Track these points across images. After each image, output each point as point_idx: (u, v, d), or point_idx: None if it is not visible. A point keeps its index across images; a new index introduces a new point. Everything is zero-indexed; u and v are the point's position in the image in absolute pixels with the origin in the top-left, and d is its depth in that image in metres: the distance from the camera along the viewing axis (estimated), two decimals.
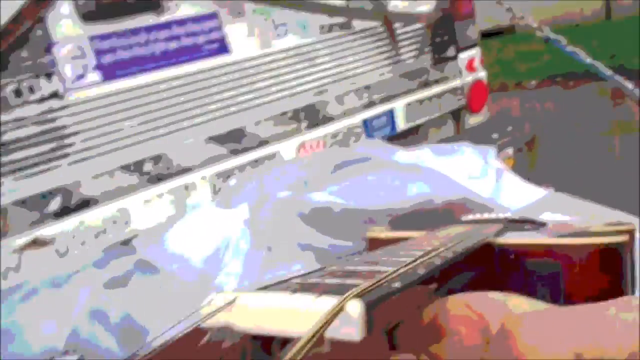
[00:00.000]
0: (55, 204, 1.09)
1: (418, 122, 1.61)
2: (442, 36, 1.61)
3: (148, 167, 1.19)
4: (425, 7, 1.56)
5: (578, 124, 3.16)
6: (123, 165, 1.16)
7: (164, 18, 1.19)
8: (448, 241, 0.42)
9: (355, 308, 0.22)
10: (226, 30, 1.27)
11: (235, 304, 0.25)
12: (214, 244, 1.17)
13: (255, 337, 0.21)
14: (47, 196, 1.08)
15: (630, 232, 0.46)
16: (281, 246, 1.21)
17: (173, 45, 1.21)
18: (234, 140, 1.30)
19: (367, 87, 1.51)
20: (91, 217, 1.13)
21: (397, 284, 0.27)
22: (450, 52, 1.63)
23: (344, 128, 1.46)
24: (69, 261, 1.11)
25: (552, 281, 0.50)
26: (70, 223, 1.10)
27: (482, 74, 1.71)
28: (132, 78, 1.16)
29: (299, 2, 1.33)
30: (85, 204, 1.13)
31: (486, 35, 4.35)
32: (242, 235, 1.17)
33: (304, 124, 1.41)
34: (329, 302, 0.23)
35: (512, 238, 0.51)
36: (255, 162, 1.33)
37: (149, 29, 1.17)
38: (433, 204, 1.31)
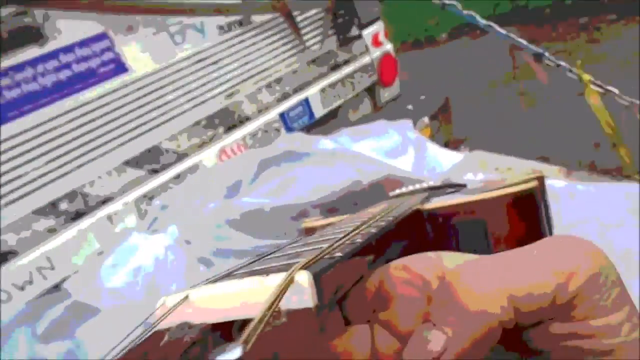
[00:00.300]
0: None
1: (335, 105, 1.62)
2: (343, 17, 1.61)
3: (64, 206, 1.14)
4: None
5: (485, 76, 3.29)
6: (35, 209, 1.10)
7: (48, 48, 1.12)
8: (378, 214, 0.44)
9: (303, 277, 0.23)
10: (120, 49, 1.22)
11: (187, 300, 0.25)
12: (149, 270, 1.15)
13: (215, 328, 0.21)
14: None
15: (540, 179, 0.50)
16: (218, 258, 1.20)
17: (65, 74, 1.15)
18: (151, 159, 1.26)
19: (278, 80, 1.50)
20: (12, 269, 1.07)
21: (338, 254, 0.28)
22: (354, 31, 1.64)
23: (262, 126, 1.45)
24: None
25: (479, 236, 0.53)
26: None
27: (388, 47, 1.74)
28: (27, 117, 1.09)
29: (190, 6, 1.29)
30: (3, 257, 1.07)
31: None
32: (176, 256, 1.15)
33: (220, 129, 1.39)
34: (278, 278, 0.23)
35: (437, 202, 0.54)
36: (178, 178, 1.30)
37: (33, 62, 1.10)
38: (361, 186, 1.34)
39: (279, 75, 1.49)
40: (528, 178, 0.50)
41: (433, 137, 1.57)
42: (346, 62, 1.64)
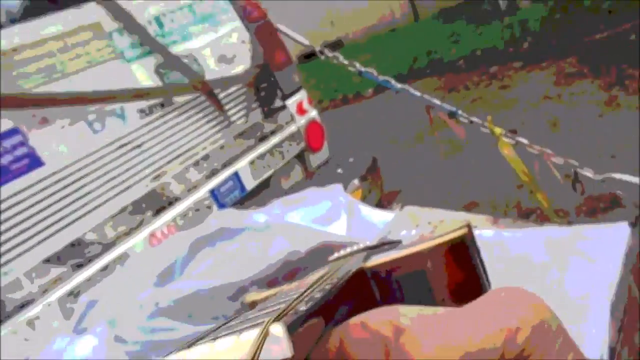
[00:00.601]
0: None
1: (265, 176, 1.63)
2: (265, 89, 1.65)
3: None
4: (241, 67, 1.59)
5: (411, 129, 3.45)
6: None
7: None
8: (321, 279, 0.44)
9: (278, 329, 0.24)
10: (33, 143, 1.17)
11: None
12: None
13: None
14: None
15: (468, 226, 0.52)
16: (154, 353, 1.14)
17: None
18: (74, 254, 1.20)
19: (206, 157, 1.49)
20: None
21: (302, 307, 0.29)
22: (278, 102, 1.68)
23: (192, 205, 1.42)
24: None
25: (421, 286, 0.54)
26: None
27: (313, 114, 1.79)
28: None
29: (108, 94, 1.28)
30: None
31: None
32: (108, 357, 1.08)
33: (149, 213, 1.35)
34: (252, 333, 0.24)
35: (377, 259, 0.54)
36: (105, 269, 1.24)
37: None
38: (298, 255, 1.33)
39: (206, 152, 1.49)
40: (457, 228, 0.53)
41: (364, 199, 1.60)
42: (273, 133, 1.67)
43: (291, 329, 0.26)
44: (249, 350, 0.23)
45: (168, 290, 1.20)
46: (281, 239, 1.32)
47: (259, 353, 0.23)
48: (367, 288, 0.55)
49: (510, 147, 1.38)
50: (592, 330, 0.84)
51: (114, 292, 1.21)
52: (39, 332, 1.11)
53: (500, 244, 1.40)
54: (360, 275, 0.51)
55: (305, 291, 0.37)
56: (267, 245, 1.31)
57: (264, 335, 0.24)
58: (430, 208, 1.73)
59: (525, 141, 1.43)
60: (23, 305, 1.12)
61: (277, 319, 0.26)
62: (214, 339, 0.27)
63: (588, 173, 1.46)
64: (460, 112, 1.51)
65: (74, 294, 1.18)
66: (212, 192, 1.47)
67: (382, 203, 1.74)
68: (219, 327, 0.32)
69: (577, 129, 2.82)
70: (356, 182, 1.62)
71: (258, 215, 1.34)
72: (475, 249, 0.57)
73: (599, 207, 2.11)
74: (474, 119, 1.50)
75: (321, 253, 1.34)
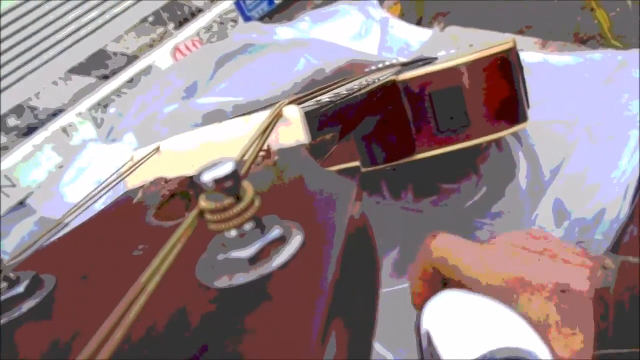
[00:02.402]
0: None
1: None
2: None
3: (12, 121, 1.10)
4: None
5: None
6: None
7: None
8: (349, 80, 0.44)
9: (293, 110, 0.22)
10: None
11: (159, 152, 0.23)
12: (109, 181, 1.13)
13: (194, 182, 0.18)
14: None
15: (513, 42, 0.48)
16: None
17: None
18: (98, 65, 1.19)
19: None
20: None
21: (325, 98, 0.28)
22: None
23: (216, 17, 1.35)
24: None
25: (455, 104, 0.52)
26: None
27: None
28: None
29: None
30: None
31: None
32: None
33: (171, 25, 1.29)
34: (262, 115, 0.22)
35: (411, 72, 0.52)
36: (131, 82, 1.24)
37: None
38: (324, 74, 1.28)
39: None
40: (500, 44, 0.49)
41: (402, 16, 1.47)
42: None
43: (310, 116, 0.22)
44: (258, 132, 0.20)
45: (191, 105, 1.20)
46: (307, 56, 1.26)
47: (269, 131, 0.20)
48: (398, 101, 0.51)
49: None
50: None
51: (140, 106, 1.22)
52: (73, 138, 1.16)
53: (545, 68, 1.29)
54: (391, 88, 0.46)
55: (330, 85, 0.34)
56: (292, 62, 1.25)
57: (276, 116, 0.21)
58: (475, 29, 1.59)
59: None
60: (55, 114, 1.15)
61: (293, 102, 0.23)
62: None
63: None
64: None
65: (102, 104, 1.20)
66: (237, 4, 1.38)
67: (422, 23, 1.60)
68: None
69: None
70: None
71: (283, 30, 1.26)
72: (519, 67, 0.51)
73: None
74: None
75: (349, 71, 1.28)
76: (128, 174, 0.23)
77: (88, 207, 0.21)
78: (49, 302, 0.16)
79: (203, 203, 0.15)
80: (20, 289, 0.16)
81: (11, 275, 0.17)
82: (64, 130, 1.16)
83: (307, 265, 0.14)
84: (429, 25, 1.63)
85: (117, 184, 0.21)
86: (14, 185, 1.11)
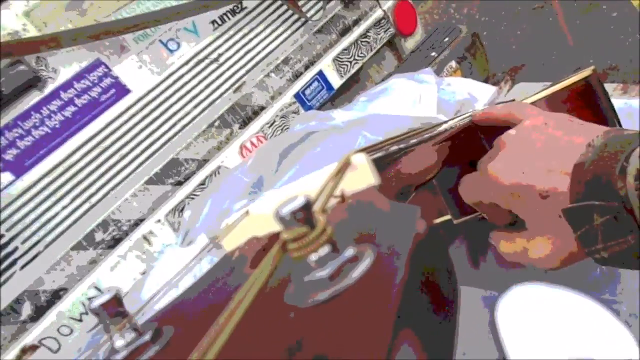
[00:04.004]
0: (27, 309, 1.11)
1: (352, 71, 1.52)
2: None
3: (99, 236, 1.18)
4: None
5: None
6: (74, 245, 1.15)
7: (48, 89, 1.14)
8: (420, 131, 0.42)
9: (360, 158, 0.24)
10: (117, 72, 1.22)
11: (248, 216, 0.26)
12: (187, 283, 1.16)
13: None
14: (15, 306, 1.09)
15: (594, 71, 0.48)
16: None
17: (71, 110, 1.17)
18: (172, 173, 1.27)
19: (286, 61, 1.43)
20: (66, 305, 1.14)
21: (394, 147, 0.30)
22: None
23: (277, 112, 1.40)
24: (66, 353, 1.13)
25: None
26: (49, 320, 1.12)
27: None
28: (45, 161, 1.13)
29: (176, 10, 1.26)
30: (56, 295, 1.14)
31: None
32: (209, 263, 1.16)
33: (236, 126, 1.36)
34: (333, 166, 0.24)
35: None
36: (203, 185, 1.30)
37: (37, 107, 1.13)
38: None
39: (285, 56, 1.43)
40: (582, 71, 0.45)
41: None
42: (356, 22, 1.53)
43: (378, 163, 0.25)
44: (327, 178, 0.22)
45: (261, 198, 1.23)
46: (365, 132, 1.25)
47: (338, 180, 0.23)
48: (477, 143, 0.49)
49: None
50: None
51: (213, 205, 1.27)
52: (154, 245, 1.23)
53: (629, 116, 1.18)
54: (468, 130, 0.46)
55: (400, 135, 0.34)
56: (352, 142, 1.25)
57: (345, 164, 0.24)
58: (546, 83, 1.50)
59: None
60: (136, 224, 1.23)
61: (361, 151, 0.25)
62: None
63: None
64: None
65: (178, 209, 1.26)
66: (297, 96, 1.43)
67: (489, 81, 1.54)
68: None
69: None
70: (453, 64, 1.45)
71: (340, 114, 1.27)
72: (604, 93, 0.49)
73: None
74: None
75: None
76: (223, 238, 0.26)
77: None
78: (169, 347, 0.21)
79: (284, 234, 0.18)
80: (146, 337, 0.21)
81: (138, 327, 0.21)
82: (145, 238, 1.23)
83: (379, 277, 0.17)
84: (498, 82, 1.56)
85: (215, 241, 0.25)
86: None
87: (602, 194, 0.24)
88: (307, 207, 0.18)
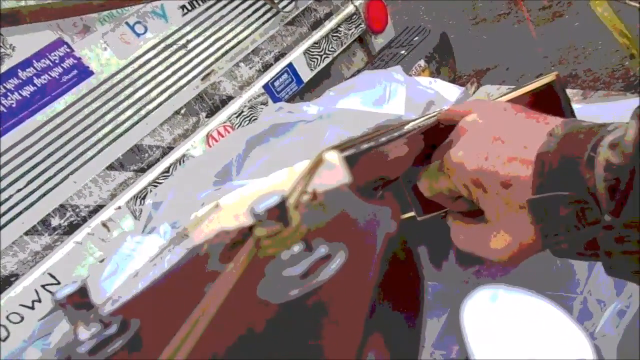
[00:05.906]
0: None
1: (323, 65, 1.52)
2: None
3: (56, 221, 1.14)
4: None
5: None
6: (28, 230, 1.11)
7: (5, 66, 1.09)
8: (390, 129, 0.43)
9: (332, 155, 0.25)
10: (79, 53, 1.18)
11: (218, 208, 0.26)
12: (149, 273, 1.14)
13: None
14: None
15: (557, 75, 0.49)
16: None
17: (29, 90, 1.12)
18: (135, 159, 1.24)
19: (256, 51, 1.42)
20: (18, 291, 1.10)
21: (365, 145, 0.30)
22: None
23: (246, 102, 1.39)
24: (13, 342, 1.09)
25: None
26: None
27: None
28: (0, 141, 1.09)
29: None
30: (7, 281, 1.09)
31: None
32: (171, 255, 1.14)
33: (202, 115, 1.34)
34: (305, 163, 0.24)
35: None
36: (167, 173, 1.27)
37: None
38: None
39: (256, 46, 1.41)
40: (544, 77, 0.46)
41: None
42: (328, 16, 1.53)
43: (350, 160, 0.25)
44: (302, 176, 0.22)
45: (225, 189, 1.21)
46: (333, 127, 1.25)
47: (311, 178, 0.23)
48: (443, 140, 0.52)
49: (603, 3, 1.14)
50: None
51: (177, 194, 1.25)
52: (113, 232, 1.20)
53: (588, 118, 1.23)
54: (437, 129, 0.47)
55: (371, 134, 0.34)
56: (319, 136, 1.25)
57: (317, 162, 0.24)
58: (511, 86, 1.54)
59: None
60: (96, 210, 1.19)
61: (333, 149, 0.25)
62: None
63: None
64: None
65: (140, 197, 1.23)
66: (266, 87, 1.42)
67: (456, 82, 1.57)
68: None
69: None
70: (422, 63, 1.47)
71: (309, 107, 1.27)
72: (565, 97, 0.51)
73: None
74: None
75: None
76: (193, 230, 0.26)
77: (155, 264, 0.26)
78: (137, 339, 0.20)
79: (257, 231, 0.18)
80: (112, 329, 0.20)
81: (104, 319, 0.20)
82: (104, 225, 1.19)
83: (351, 275, 0.17)
84: (464, 84, 1.59)
85: (187, 231, 0.25)
86: (58, 283, 1.14)
87: (567, 184, 0.25)
88: (281, 204, 0.18)
